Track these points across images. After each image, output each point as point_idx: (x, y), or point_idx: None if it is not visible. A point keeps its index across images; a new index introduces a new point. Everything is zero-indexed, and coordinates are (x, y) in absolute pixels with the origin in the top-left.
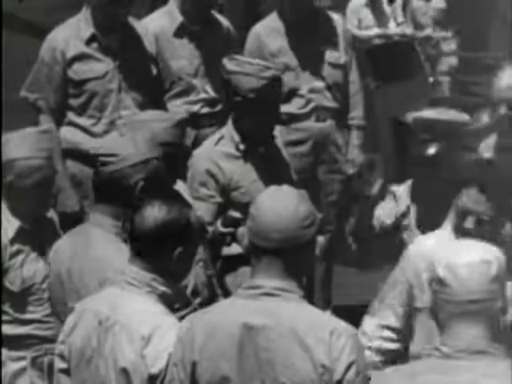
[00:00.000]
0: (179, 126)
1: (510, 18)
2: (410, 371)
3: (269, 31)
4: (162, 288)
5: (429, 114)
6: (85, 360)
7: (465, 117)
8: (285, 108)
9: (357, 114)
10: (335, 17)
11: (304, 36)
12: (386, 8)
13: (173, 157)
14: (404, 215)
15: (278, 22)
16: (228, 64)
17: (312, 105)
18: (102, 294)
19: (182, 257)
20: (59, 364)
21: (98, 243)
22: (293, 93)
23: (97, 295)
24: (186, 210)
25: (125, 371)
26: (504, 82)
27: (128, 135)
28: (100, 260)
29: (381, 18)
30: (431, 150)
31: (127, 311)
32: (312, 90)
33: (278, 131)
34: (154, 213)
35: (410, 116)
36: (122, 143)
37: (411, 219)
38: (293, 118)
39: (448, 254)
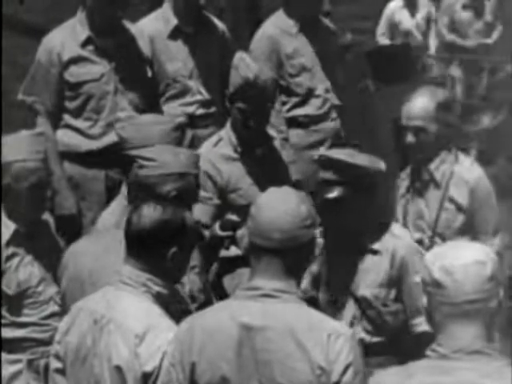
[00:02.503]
0: (178, 129)
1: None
2: (407, 372)
3: (281, 33)
4: (157, 288)
5: (338, 154)
6: (80, 359)
7: (380, 164)
8: (303, 110)
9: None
10: (326, 20)
11: (314, 36)
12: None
13: None
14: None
15: (287, 23)
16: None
17: (328, 104)
18: (97, 293)
19: (176, 257)
20: (55, 364)
21: (121, 246)
22: (311, 93)
23: (92, 295)
24: (181, 210)
25: (119, 369)
26: (412, 110)
27: (171, 146)
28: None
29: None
30: (333, 194)
31: (122, 310)
32: (327, 90)
33: (297, 134)
34: (149, 213)
35: (316, 154)
36: (162, 151)
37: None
38: (312, 120)
39: (442, 256)
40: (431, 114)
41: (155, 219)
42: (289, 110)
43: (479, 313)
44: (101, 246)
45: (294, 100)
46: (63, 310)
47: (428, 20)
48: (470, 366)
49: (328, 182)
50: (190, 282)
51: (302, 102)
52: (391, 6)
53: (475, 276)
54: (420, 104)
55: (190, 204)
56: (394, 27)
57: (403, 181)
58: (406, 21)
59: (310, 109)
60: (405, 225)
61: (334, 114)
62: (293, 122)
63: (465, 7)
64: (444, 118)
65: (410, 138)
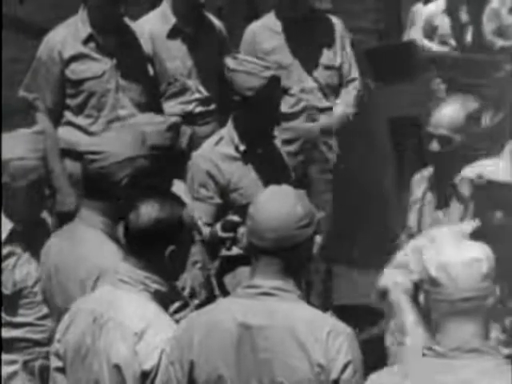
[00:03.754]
0: (172, 129)
1: None
2: (405, 371)
3: (263, 29)
4: (156, 286)
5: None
6: (79, 358)
7: None
8: None
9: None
10: (333, 19)
11: (300, 36)
12: (464, 16)
13: (164, 159)
14: None
15: (274, 21)
16: (230, 62)
17: (302, 104)
18: (96, 292)
19: (174, 255)
20: (55, 363)
21: (84, 240)
22: (283, 92)
23: (92, 294)
24: (179, 208)
25: (118, 368)
26: (440, 118)
27: (114, 133)
28: (85, 258)
29: (457, 28)
30: (496, 218)
31: (121, 309)
32: (303, 90)
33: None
34: (147, 211)
35: (478, 178)
36: (107, 141)
37: None
38: (282, 117)
39: (439, 254)
40: (459, 124)
41: (153, 218)
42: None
43: (476, 310)
44: (63, 240)
45: None
46: (50, 309)
47: (466, 26)
48: (468, 364)
49: (495, 205)
50: (192, 277)
51: None
52: (431, 9)
53: (472, 274)
54: (449, 113)
55: (152, 185)
56: (431, 31)
57: (418, 184)
58: (445, 26)
59: (282, 106)
60: (420, 232)
61: (314, 116)
62: None
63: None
64: (472, 130)
65: (434, 146)
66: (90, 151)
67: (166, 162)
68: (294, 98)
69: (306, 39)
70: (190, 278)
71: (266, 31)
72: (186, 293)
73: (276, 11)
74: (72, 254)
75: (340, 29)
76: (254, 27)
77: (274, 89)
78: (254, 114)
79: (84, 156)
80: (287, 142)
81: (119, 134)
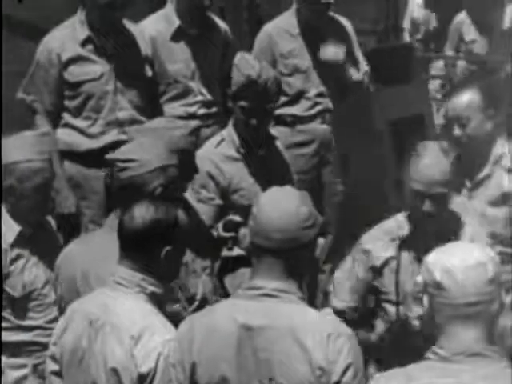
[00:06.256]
0: (194, 133)
1: None
2: (407, 374)
3: (280, 32)
4: (151, 288)
5: None
6: (76, 361)
7: None
8: (291, 110)
9: None
10: (344, 21)
11: (316, 39)
12: None
13: (187, 163)
14: None
15: (290, 23)
16: (236, 57)
17: (319, 108)
18: (92, 295)
19: (170, 256)
20: (51, 366)
21: (114, 248)
22: (301, 95)
23: (87, 296)
24: (174, 209)
25: (115, 371)
26: (427, 176)
27: (146, 141)
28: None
29: None
30: None
31: (117, 311)
32: (320, 94)
33: (281, 133)
34: (141, 213)
35: None
36: (140, 149)
37: None
38: (298, 120)
39: (443, 257)
40: (448, 176)
41: (148, 219)
42: (276, 108)
43: (480, 315)
44: (91, 247)
45: (283, 99)
46: (61, 314)
47: None
48: (470, 368)
49: None
50: (203, 283)
51: (291, 102)
52: None
53: (477, 278)
54: (439, 167)
55: (177, 196)
56: None
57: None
58: None
59: (297, 109)
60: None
61: (326, 118)
62: (279, 120)
63: None
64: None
65: (429, 206)
66: (121, 159)
67: (191, 166)
68: (310, 101)
69: (322, 42)
70: (200, 285)
71: (282, 33)
72: (198, 298)
73: (296, 13)
74: (103, 262)
75: (351, 30)
76: (270, 29)
77: (250, 88)
78: (242, 111)
79: (114, 163)
80: (302, 144)
81: (150, 143)
